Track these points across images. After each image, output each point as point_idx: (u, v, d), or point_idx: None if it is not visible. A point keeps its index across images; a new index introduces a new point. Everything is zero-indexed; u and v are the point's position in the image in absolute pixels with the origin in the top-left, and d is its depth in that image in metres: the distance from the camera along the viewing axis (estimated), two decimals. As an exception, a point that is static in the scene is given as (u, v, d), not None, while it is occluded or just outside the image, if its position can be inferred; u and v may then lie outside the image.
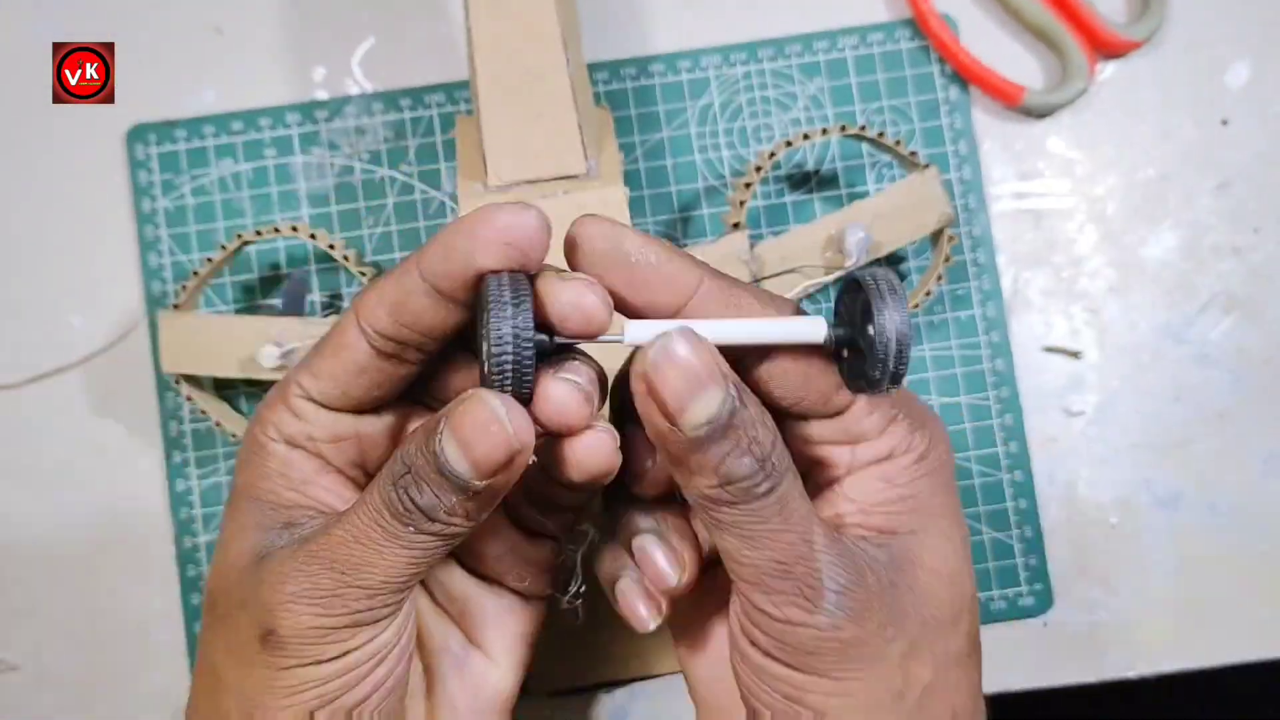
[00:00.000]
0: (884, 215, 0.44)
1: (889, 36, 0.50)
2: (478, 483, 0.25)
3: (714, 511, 0.25)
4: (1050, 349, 0.49)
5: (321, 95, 0.49)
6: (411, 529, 0.25)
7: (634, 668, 0.38)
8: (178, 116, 0.49)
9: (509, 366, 0.24)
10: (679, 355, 0.24)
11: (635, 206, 0.49)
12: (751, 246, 0.43)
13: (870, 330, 0.25)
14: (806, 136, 0.44)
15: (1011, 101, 0.49)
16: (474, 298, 0.26)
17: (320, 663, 0.26)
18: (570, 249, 0.26)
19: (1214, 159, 0.50)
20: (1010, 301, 0.49)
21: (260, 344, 0.43)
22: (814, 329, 0.26)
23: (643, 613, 0.28)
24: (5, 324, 0.48)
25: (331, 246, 0.45)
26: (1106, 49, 0.49)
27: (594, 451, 0.26)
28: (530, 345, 0.24)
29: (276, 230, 0.45)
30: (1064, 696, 0.49)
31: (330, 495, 0.28)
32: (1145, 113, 0.50)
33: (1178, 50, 0.50)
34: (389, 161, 0.49)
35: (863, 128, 0.44)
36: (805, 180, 0.49)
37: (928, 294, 0.45)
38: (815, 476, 0.28)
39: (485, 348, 0.24)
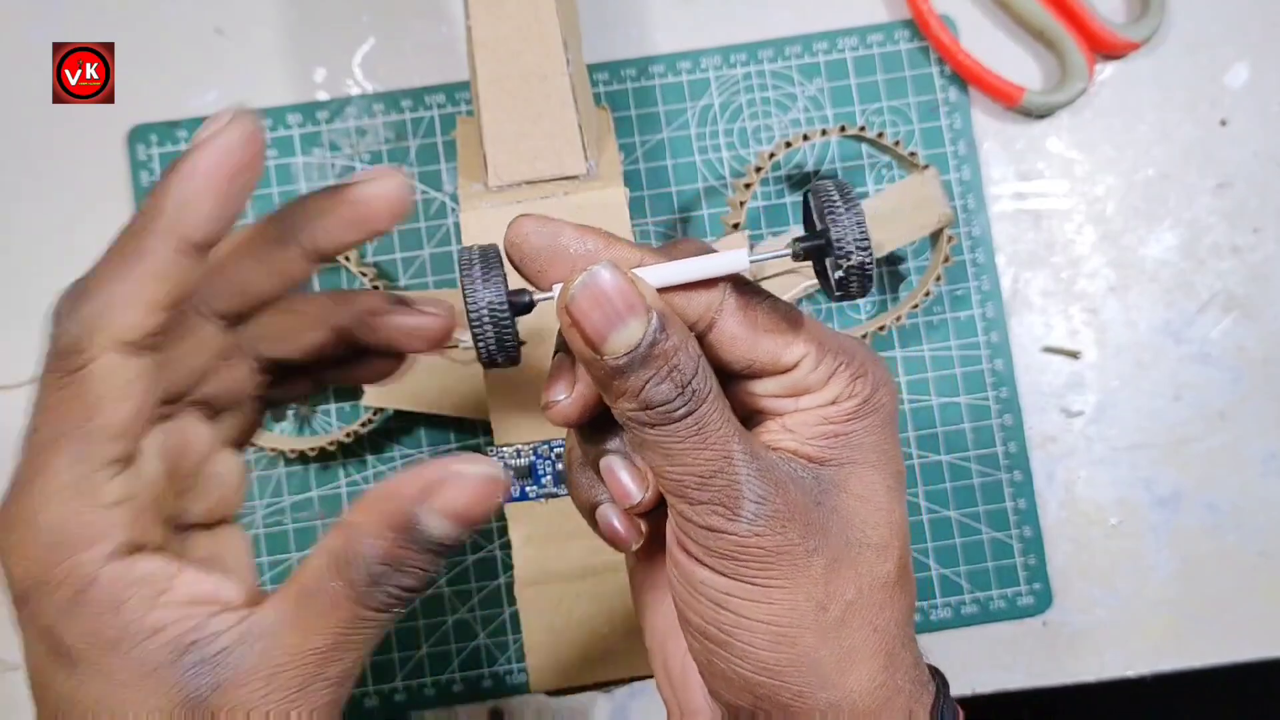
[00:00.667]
0: (883, 216, 0.44)
1: (888, 38, 0.50)
2: (462, 539, 0.26)
3: (637, 431, 0.26)
4: (1049, 349, 0.49)
5: (322, 96, 0.49)
6: (401, 610, 0.26)
7: (634, 667, 0.38)
8: (179, 117, 0.49)
9: (491, 336, 0.26)
10: (600, 286, 0.25)
11: (635, 207, 0.49)
12: (751, 247, 0.43)
13: (830, 235, 0.27)
14: (806, 137, 0.44)
15: (1011, 102, 0.49)
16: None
17: None
18: (509, 250, 0.27)
19: (1213, 159, 0.50)
20: (1009, 302, 0.49)
21: None
22: (737, 259, 0.27)
23: (621, 532, 0.29)
24: (6, 325, 0.48)
25: None
26: (1106, 49, 0.50)
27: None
28: (506, 313, 0.26)
29: None
30: (1063, 695, 0.49)
31: (197, 582, 0.26)
32: (1144, 113, 0.50)
33: (1177, 51, 0.50)
34: (390, 162, 0.49)
35: (862, 128, 0.45)
36: (805, 181, 0.49)
37: (927, 294, 0.45)
38: (758, 419, 0.29)
39: (468, 319, 0.26)
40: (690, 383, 0.25)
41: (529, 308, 0.27)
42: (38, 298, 0.48)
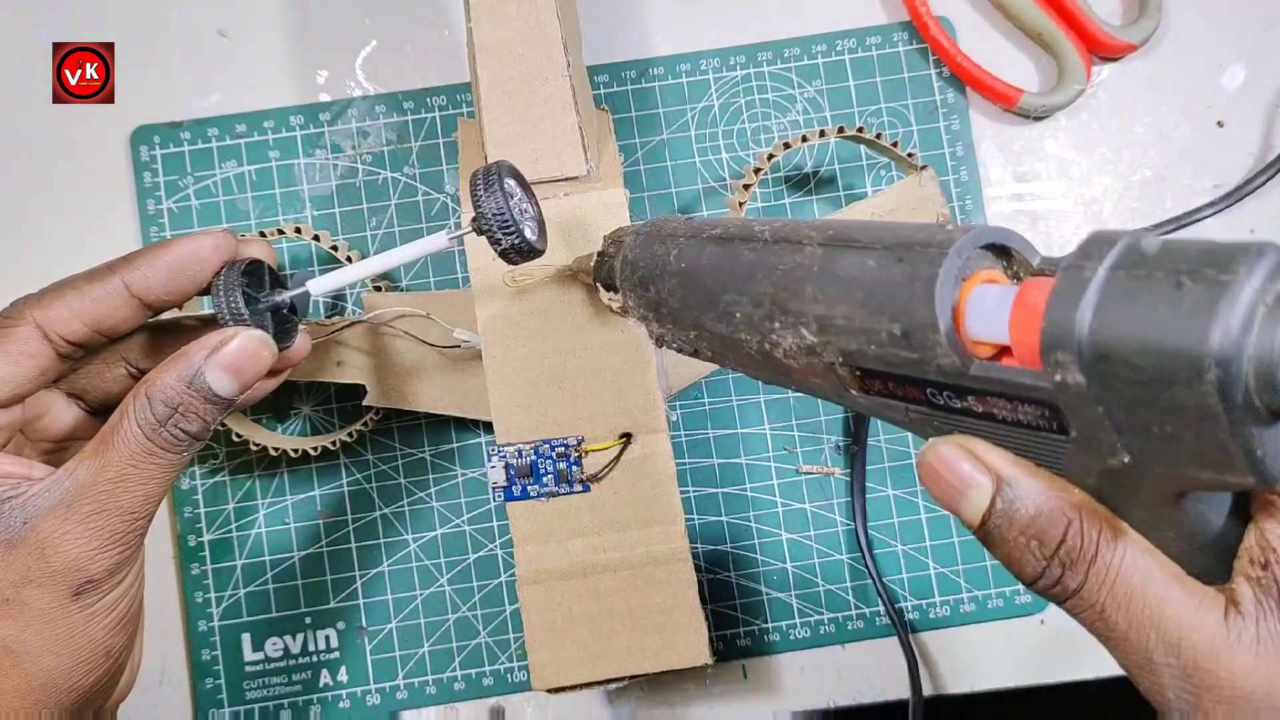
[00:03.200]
0: (882, 216, 0.45)
1: (886, 40, 0.50)
2: (240, 397, 0.32)
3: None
4: (1047, 349, 0.50)
5: (325, 98, 0.50)
6: (183, 453, 0.31)
7: (634, 665, 0.38)
8: (182, 118, 0.49)
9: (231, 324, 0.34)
10: (935, 455, 0.24)
11: (636, 208, 0.49)
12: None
13: (480, 220, 0.33)
14: (805, 139, 0.45)
15: (1008, 104, 0.49)
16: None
17: (122, 588, 0.32)
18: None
19: (1210, 160, 0.50)
20: (1007, 302, 0.50)
21: None
22: (438, 240, 0.35)
23: None
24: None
25: (334, 248, 0.46)
26: (1103, 52, 0.50)
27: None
28: (243, 312, 0.34)
29: (280, 232, 0.45)
30: (1061, 693, 0.49)
31: (13, 464, 0.31)
32: (1141, 115, 0.51)
33: (1174, 53, 0.51)
34: (392, 163, 0.49)
35: (860, 129, 0.45)
36: (804, 182, 0.50)
37: None
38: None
39: (222, 315, 0.34)
40: (1057, 553, 0.23)
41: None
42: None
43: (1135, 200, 0.50)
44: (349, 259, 0.45)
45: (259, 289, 0.35)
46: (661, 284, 0.32)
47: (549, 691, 0.38)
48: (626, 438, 0.38)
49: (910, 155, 0.45)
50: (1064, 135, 0.51)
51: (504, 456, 0.38)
